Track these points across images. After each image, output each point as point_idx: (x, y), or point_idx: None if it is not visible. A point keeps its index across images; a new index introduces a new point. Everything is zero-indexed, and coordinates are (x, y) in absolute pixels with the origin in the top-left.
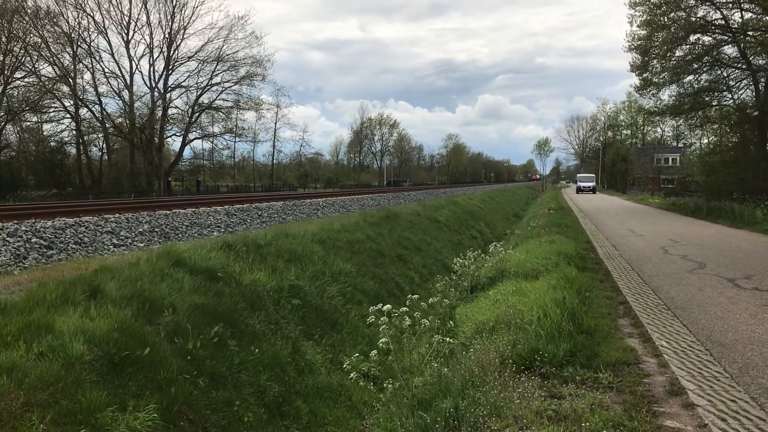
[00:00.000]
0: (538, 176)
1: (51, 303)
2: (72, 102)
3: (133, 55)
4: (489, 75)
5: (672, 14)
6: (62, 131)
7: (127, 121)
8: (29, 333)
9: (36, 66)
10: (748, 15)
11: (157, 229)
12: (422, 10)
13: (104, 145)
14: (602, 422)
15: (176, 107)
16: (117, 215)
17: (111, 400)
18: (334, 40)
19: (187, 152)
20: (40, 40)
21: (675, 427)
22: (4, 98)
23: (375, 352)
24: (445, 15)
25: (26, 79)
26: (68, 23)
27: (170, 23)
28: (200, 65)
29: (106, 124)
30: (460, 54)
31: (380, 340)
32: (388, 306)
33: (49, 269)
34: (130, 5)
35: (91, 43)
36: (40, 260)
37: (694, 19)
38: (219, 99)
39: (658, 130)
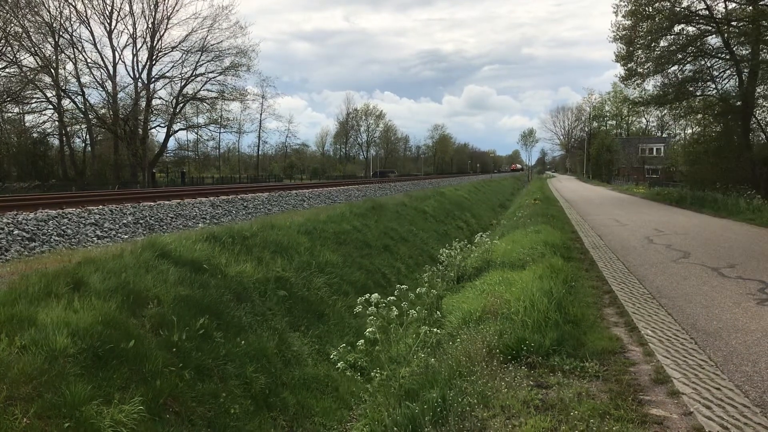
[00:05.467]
0: (519, 166)
1: (34, 296)
2: (54, 93)
3: (116, 45)
4: (475, 66)
5: (657, 4)
6: (45, 122)
7: (111, 112)
8: (11, 326)
9: (17, 56)
10: (731, 5)
11: (141, 221)
12: (410, 0)
13: (87, 137)
14: (589, 411)
15: (160, 98)
16: (101, 207)
17: (96, 393)
18: (321, 31)
19: (171, 143)
20: (20, 29)
21: (660, 415)
22: None
23: (362, 342)
24: (433, 5)
25: (7, 70)
26: (50, 13)
27: (153, 13)
28: (184, 55)
29: (89, 115)
30: (447, 44)
31: (367, 331)
32: (376, 295)
33: (31, 262)
34: None
35: (74, 33)
36: (23, 253)
37: (678, 9)
38: (203, 90)
39: (643, 120)
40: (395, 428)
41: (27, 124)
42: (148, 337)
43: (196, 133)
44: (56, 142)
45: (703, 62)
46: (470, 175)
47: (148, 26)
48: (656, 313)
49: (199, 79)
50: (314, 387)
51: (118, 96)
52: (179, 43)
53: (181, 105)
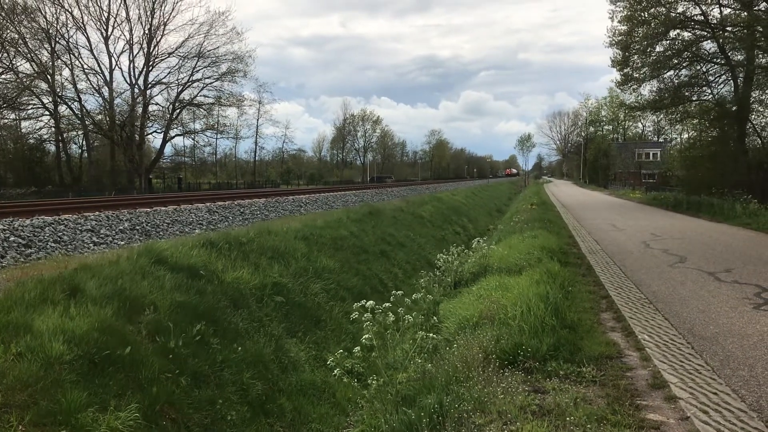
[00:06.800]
0: (514, 171)
1: (29, 302)
2: (51, 99)
3: (112, 51)
4: (472, 71)
5: (652, 10)
6: (41, 128)
7: (107, 118)
8: (7, 333)
9: (13, 62)
10: (726, 11)
11: (137, 227)
12: (407, 6)
13: (84, 143)
14: (586, 416)
15: (157, 104)
16: (97, 213)
17: (92, 400)
18: (318, 36)
19: (168, 149)
20: (17, 35)
21: (657, 420)
22: None
23: (359, 348)
24: (429, 11)
25: (3, 76)
26: (46, 19)
27: (150, 19)
28: (181, 61)
29: (86, 121)
30: (443, 50)
31: (364, 337)
32: (372, 302)
33: (27, 268)
34: (109, 1)
35: (70, 39)
36: (19, 259)
37: (673, 14)
38: (200, 95)
39: (639, 125)
40: None
41: (23, 131)
42: (145, 343)
43: (193, 139)
44: (53, 148)
45: (698, 67)
46: (467, 180)
47: (144, 32)
48: (653, 317)
49: (195, 84)
50: (311, 393)
51: (115, 102)
52: (176, 49)
53: (178, 111)
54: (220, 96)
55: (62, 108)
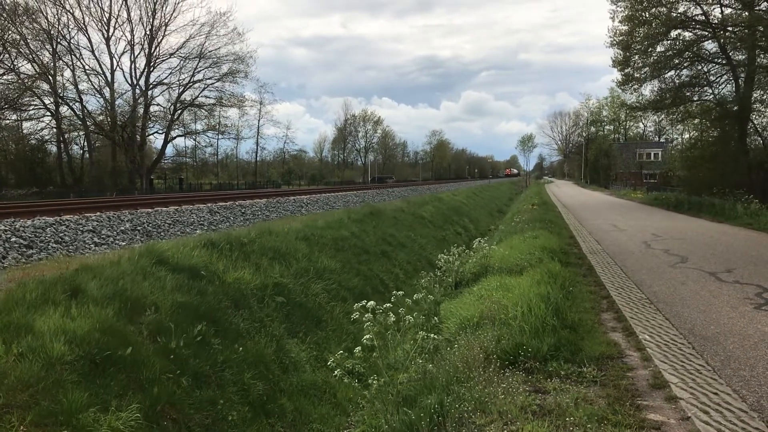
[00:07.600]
0: (515, 171)
1: (31, 303)
2: (52, 100)
3: (113, 52)
4: (472, 71)
5: (653, 10)
6: (42, 129)
7: (109, 119)
8: (9, 334)
9: (15, 63)
10: (728, 11)
11: (139, 228)
12: (408, 6)
13: (85, 143)
14: (586, 416)
15: (158, 104)
16: (98, 214)
17: (93, 401)
18: (319, 37)
19: (169, 150)
20: (18, 36)
21: (658, 420)
22: None
23: (359, 348)
24: (430, 11)
25: (5, 77)
26: (47, 20)
27: (151, 20)
28: (182, 62)
29: (87, 122)
30: (444, 50)
31: (364, 337)
32: (372, 302)
33: (29, 269)
34: (111, 1)
35: (71, 40)
36: (20, 260)
37: (674, 14)
38: (201, 96)
39: (640, 125)
40: None
41: (25, 131)
42: (146, 344)
43: (194, 140)
44: (54, 149)
45: (699, 67)
46: (468, 181)
47: (145, 33)
48: (654, 317)
49: (197, 85)
50: (312, 393)
51: (116, 103)
52: (177, 50)
53: (179, 111)
54: (221, 96)
55: (64, 109)
